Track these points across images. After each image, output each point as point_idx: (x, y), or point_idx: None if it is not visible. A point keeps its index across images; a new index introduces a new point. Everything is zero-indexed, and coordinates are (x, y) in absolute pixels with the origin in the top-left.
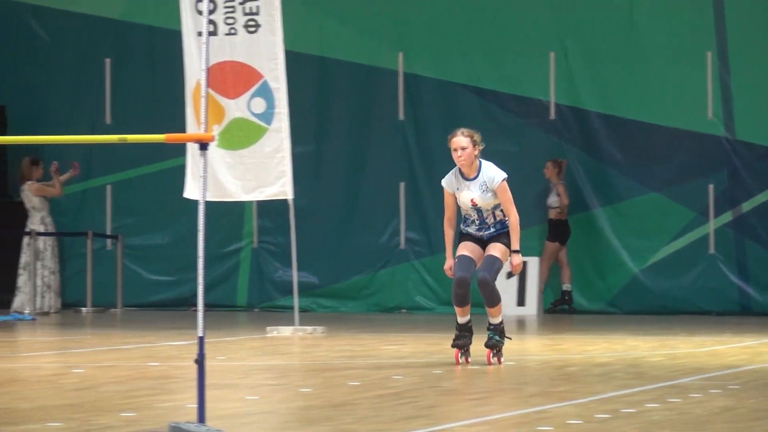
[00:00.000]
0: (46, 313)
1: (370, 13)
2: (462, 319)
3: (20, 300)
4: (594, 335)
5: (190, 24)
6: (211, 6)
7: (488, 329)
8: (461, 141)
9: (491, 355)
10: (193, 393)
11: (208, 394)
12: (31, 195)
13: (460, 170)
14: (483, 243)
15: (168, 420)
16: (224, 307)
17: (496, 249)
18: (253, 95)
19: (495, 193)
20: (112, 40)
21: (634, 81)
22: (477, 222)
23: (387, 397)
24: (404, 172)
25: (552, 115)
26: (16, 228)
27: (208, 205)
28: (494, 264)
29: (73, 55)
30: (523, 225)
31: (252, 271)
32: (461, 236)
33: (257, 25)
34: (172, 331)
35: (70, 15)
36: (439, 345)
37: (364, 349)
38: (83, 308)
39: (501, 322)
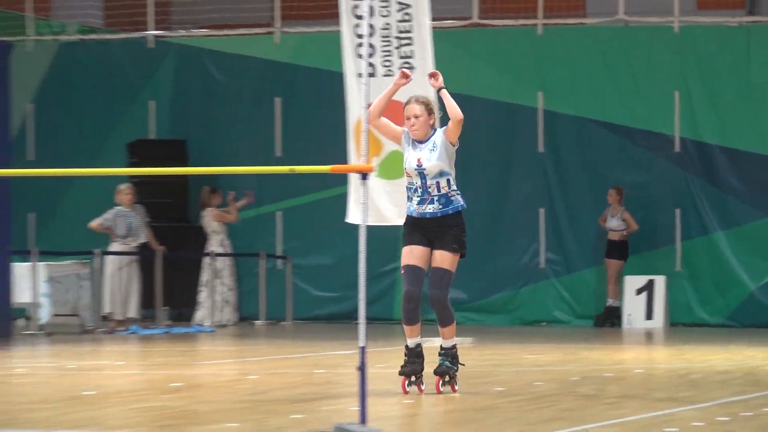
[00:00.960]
0: (224, 326)
1: (513, 56)
2: (411, 341)
3: (201, 314)
4: (714, 346)
5: (351, 66)
6: (371, 50)
7: (439, 354)
8: (415, 109)
9: (440, 383)
10: (355, 397)
11: (369, 398)
12: (210, 220)
13: (411, 137)
14: (428, 235)
15: (333, 421)
16: (382, 320)
17: (444, 259)
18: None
19: (444, 152)
20: (282, 81)
21: (751, 116)
22: (420, 191)
23: (529, 401)
24: (544, 199)
25: (677, 147)
26: (198, 250)
27: (368, 228)
28: (443, 278)
29: (247, 94)
30: (652, 245)
31: None
32: (406, 228)
33: (412, 67)
34: (336, 342)
35: (245, 58)
36: (576, 355)
37: (508, 358)
38: (257, 321)
39: (453, 346)
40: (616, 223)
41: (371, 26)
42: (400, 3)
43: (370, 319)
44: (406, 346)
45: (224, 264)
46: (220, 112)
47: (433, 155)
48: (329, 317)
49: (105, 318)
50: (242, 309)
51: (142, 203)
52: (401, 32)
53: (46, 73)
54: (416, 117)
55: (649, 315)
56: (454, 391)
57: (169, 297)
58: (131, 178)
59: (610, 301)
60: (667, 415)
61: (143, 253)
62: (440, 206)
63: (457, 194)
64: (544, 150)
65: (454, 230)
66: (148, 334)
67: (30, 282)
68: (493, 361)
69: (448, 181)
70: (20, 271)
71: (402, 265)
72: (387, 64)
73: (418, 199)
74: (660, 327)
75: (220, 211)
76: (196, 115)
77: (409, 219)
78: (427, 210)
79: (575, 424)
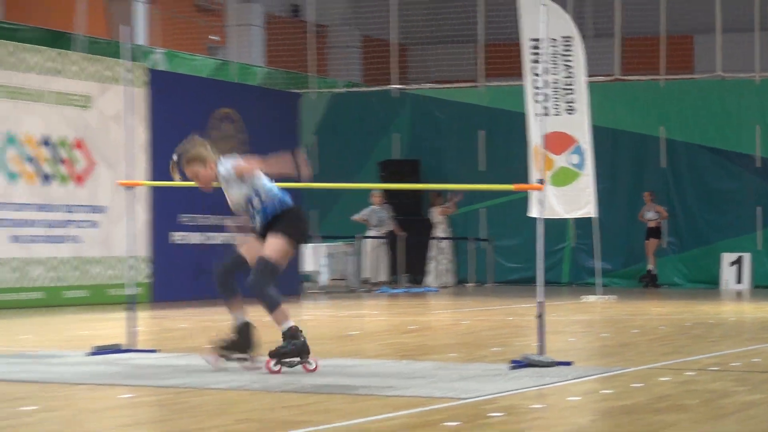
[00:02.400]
0: (445, 287)
1: (643, 101)
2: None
3: (429, 279)
4: None
5: (531, 108)
6: (545, 97)
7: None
8: (191, 154)
9: (271, 363)
10: (536, 336)
11: (546, 337)
12: (436, 214)
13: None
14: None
15: (521, 353)
16: (554, 284)
17: (269, 245)
18: (571, 152)
19: (237, 180)
20: (484, 119)
21: None
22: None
23: (655, 340)
24: (664, 199)
25: (758, 163)
26: (427, 235)
27: (543, 220)
28: (260, 266)
29: (460, 128)
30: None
31: (572, 260)
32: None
33: (574, 109)
34: (522, 298)
35: (459, 103)
36: (688, 308)
37: (640, 310)
38: (468, 284)
39: (288, 329)
40: (652, 215)
41: (545, 81)
42: (565, 64)
43: (546, 282)
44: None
45: (446, 244)
46: (442, 140)
47: (230, 189)
48: (517, 281)
49: (364, 281)
50: (458, 275)
51: (389, 203)
52: (566, 85)
53: (323, 115)
54: (196, 176)
55: (739, 280)
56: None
57: (407, 267)
58: (385, 188)
59: (651, 267)
60: (754, 350)
61: (390, 237)
62: (263, 218)
63: (271, 199)
64: (665, 166)
65: (282, 219)
66: (393, 293)
67: (314, 257)
68: (630, 312)
69: (259, 192)
70: (307, 249)
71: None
72: (556, 107)
73: (252, 217)
74: (747, 288)
75: (443, 208)
76: (425, 142)
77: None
78: (258, 225)
79: (688, 355)
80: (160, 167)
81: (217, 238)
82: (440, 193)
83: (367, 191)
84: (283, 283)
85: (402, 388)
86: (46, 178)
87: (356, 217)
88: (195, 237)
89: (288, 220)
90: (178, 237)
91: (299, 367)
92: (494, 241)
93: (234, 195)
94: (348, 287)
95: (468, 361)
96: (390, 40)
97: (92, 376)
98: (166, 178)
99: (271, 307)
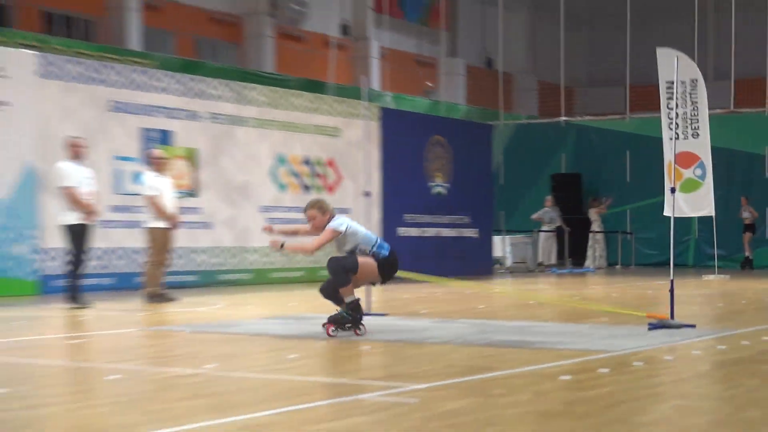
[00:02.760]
0: (599, 268)
1: (753, 128)
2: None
3: (587, 262)
4: None
5: (665, 134)
6: (676, 126)
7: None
8: (312, 213)
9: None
10: (668, 305)
11: (675, 306)
12: (593, 213)
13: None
14: None
15: (657, 318)
16: (682, 266)
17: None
18: (696, 167)
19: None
20: (630, 142)
21: None
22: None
23: (760, 309)
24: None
25: None
26: (586, 229)
27: (674, 218)
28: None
29: (612, 151)
30: None
31: (695, 248)
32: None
33: (698, 134)
34: (657, 277)
35: (611, 131)
36: None
37: (748, 287)
38: (617, 266)
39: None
40: (747, 215)
41: (676, 113)
42: (692, 101)
43: (675, 265)
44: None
45: (600, 236)
46: (597, 159)
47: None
48: (653, 264)
49: (539, 264)
50: (609, 259)
51: (557, 205)
52: (692, 116)
53: (509, 140)
54: (312, 219)
55: None
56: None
57: (571, 253)
58: (553, 192)
59: (747, 254)
60: None
61: (559, 231)
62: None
63: (368, 252)
64: (766, 176)
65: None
66: (560, 273)
67: (501, 245)
68: (740, 288)
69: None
70: (497, 240)
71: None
72: (684, 133)
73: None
74: None
75: (598, 208)
76: (585, 161)
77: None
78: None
79: None
80: (389, 180)
81: (430, 231)
82: (596, 197)
83: (543, 197)
84: (478, 266)
85: (567, 343)
86: (306, 188)
87: (534, 216)
88: (414, 231)
89: (386, 265)
90: (402, 231)
91: None
92: (636, 234)
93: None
94: (527, 268)
95: (616, 323)
96: (560, 84)
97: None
98: (394, 188)
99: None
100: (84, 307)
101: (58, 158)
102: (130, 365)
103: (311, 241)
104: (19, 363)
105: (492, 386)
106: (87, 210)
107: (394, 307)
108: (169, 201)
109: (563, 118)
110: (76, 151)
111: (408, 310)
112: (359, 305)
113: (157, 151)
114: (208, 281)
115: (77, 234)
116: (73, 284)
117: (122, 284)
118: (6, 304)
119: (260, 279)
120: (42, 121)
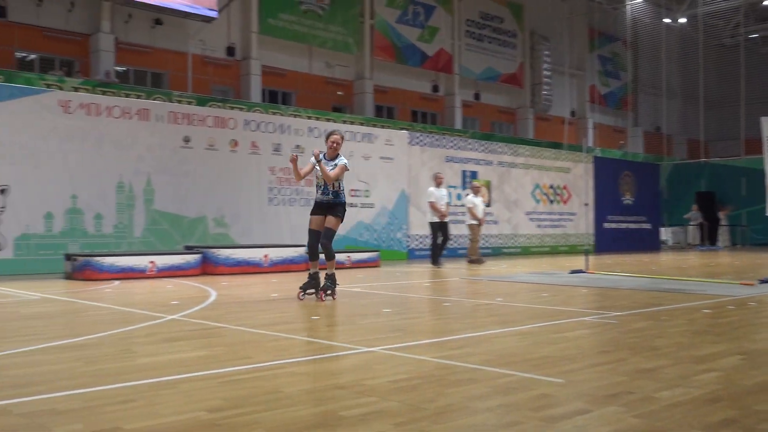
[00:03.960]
0: (726, 246)
1: None
2: (311, 270)
3: (718, 243)
4: None
5: (767, 165)
6: None
7: (325, 278)
8: (338, 138)
9: (323, 295)
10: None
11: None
12: (722, 214)
13: (325, 155)
14: (324, 211)
15: (765, 275)
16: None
17: (330, 221)
18: None
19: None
20: (744, 173)
21: None
22: (322, 187)
23: None
24: None
25: None
26: (717, 223)
27: None
28: (328, 233)
29: (734, 176)
30: None
31: None
32: (313, 206)
33: None
34: (765, 252)
35: (732, 167)
36: None
37: None
38: (736, 245)
39: (332, 274)
40: None
41: None
42: None
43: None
44: (309, 271)
45: (725, 228)
46: (723, 183)
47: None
48: (761, 245)
49: (689, 244)
50: (732, 241)
51: (700, 210)
52: None
53: (669, 173)
54: (338, 144)
55: None
56: (322, 300)
57: (709, 237)
58: (697, 202)
59: None
60: None
61: (700, 224)
62: (332, 197)
63: (342, 192)
64: None
65: (338, 208)
66: (702, 249)
67: (665, 232)
68: None
69: (339, 182)
70: (662, 229)
71: (309, 228)
72: None
73: (321, 192)
74: None
75: (724, 211)
76: (716, 184)
77: (315, 202)
78: (324, 199)
79: None
80: (599, 196)
81: (622, 225)
82: (724, 205)
83: (690, 205)
84: (651, 245)
85: (707, 291)
86: (551, 201)
87: (686, 216)
88: (613, 225)
89: (341, 209)
90: (606, 225)
91: None
92: (750, 226)
93: (334, 172)
94: (681, 247)
95: (736, 279)
96: (700, 139)
97: (568, 282)
98: (601, 201)
99: (329, 257)
100: (438, 267)
101: (415, 187)
102: (454, 298)
103: (331, 171)
104: (407, 295)
105: (660, 315)
106: (442, 215)
107: (600, 267)
108: (480, 210)
109: (702, 159)
110: (438, 181)
111: (608, 269)
112: (335, 277)
113: (475, 182)
114: (497, 253)
115: (436, 227)
116: (434, 253)
117: (450, 254)
118: (391, 265)
119: (525, 252)
120: (409, 167)
